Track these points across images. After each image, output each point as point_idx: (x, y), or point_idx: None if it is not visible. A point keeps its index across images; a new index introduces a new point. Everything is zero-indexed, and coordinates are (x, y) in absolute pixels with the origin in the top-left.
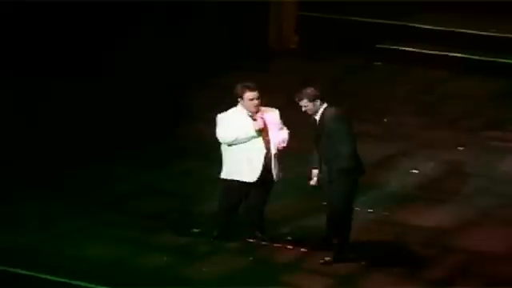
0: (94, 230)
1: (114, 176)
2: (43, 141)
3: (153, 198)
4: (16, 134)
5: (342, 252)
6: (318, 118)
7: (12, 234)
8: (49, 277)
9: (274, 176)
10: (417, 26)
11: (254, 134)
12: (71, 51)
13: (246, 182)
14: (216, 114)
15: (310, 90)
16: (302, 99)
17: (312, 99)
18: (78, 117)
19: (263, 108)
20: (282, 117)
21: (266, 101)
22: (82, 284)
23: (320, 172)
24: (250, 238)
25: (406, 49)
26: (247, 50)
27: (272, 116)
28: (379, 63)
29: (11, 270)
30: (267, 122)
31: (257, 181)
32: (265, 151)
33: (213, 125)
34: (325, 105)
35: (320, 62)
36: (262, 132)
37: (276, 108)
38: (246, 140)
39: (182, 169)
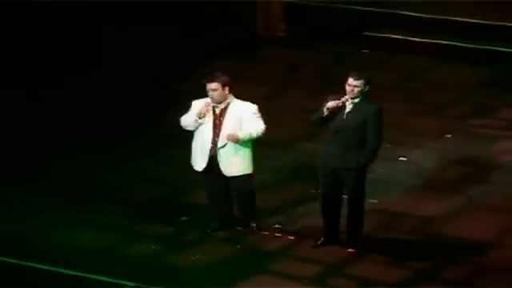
0: (82, 218)
1: (101, 164)
2: (31, 128)
3: (141, 186)
4: (3, 120)
5: (360, 238)
6: (351, 105)
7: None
8: (37, 265)
9: (222, 170)
10: (403, 13)
11: (196, 118)
12: (59, 39)
13: (201, 172)
14: None
15: (368, 74)
16: (360, 79)
17: (366, 83)
18: (66, 105)
19: (238, 101)
20: (261, 109)
21: (252, 88)
22: (71, 272)
23: (330, 157)
24: (238, 226)
25: (393, 36)
26: (235, 38)
27: (242, 110)
28: (366, 51)
29: None
30: (228, 115)
31: (207, 171)
32: (211, 144)
33: None
34: (362, 95)
35: (307, 49)
36: (214, 121)
37: (260, 97)
38: (193, 126)
39: (170, 157)
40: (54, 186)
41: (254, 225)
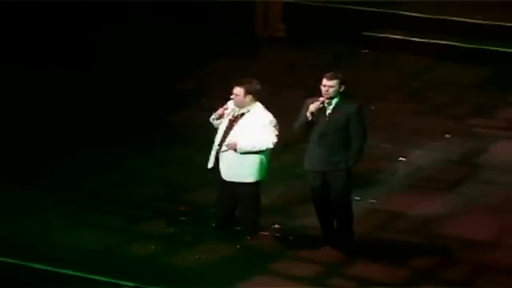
0: (82, 219)
1: (101, 164)
2: (30, 128)
3: (140, 186)
4: (3, 121)
5: (352, 238)
6: (331, 106)
7: None
8: (37, 265)
9: (221, 173)
10: (403, 13)
11: (214, 117)
12: (60, 41)
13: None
14: (203, 102)
15: (341, 74)
16: (334, 79)
17: (340, 83)
18: (66, 105)
19: (258, 110)
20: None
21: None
22: (71, 272)
23: (318, 161)
24: (238, 227)
25: (393, 36)
26: (234, 38)
27: (255, 120)
28: (366, 51)
29: None
30: (241, 123)
31: (214, 172)
32: (217, 146)
33: (200, 112)
34: (339, 95)
35: (307, 49)
36: (227, 124)
37: (262, 97)
38: (215, 125)
39: (170, 156)
40: (54, 187)
41: (249, 233)
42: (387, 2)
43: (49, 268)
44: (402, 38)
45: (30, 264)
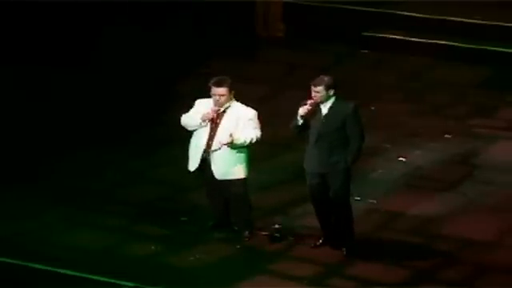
0: (82, 219)
1: (101, 164)
2: (30, 128)
3: (141, 186)
4: (2, 121)
5: (353, 238)
6: (326, 108)
7: None
8: (36, 265)
9: (214, 172)
10: (403, 13)
11: (199, 122)
12: (59, 40)
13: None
14: None
15: (327, 78)
16: (318, 85)
17: (327, 88)
18: (66, 105)
19: (238, 104)
20: (260, 109)
21: (251, 88)
22: (70, 272)
23: (317, 162)
24: (235, 227)
25: (393, 36)
26: (234, 38)
27: (239, 114)
28: (366, 51)
29: None
30: (225, 119)
31: (200, 172)
32: (204, 146)
33: None
34: (334, 97)
35: (306, 49)
36: (211, 123)
37: (260, 98)
38: (195, 128)
39: (170, 157)
40: (54, 187)
41: (247, 233)
42: (387, 2)
43: (49, 268)
44: (401, 38)
45: (30, 264)
